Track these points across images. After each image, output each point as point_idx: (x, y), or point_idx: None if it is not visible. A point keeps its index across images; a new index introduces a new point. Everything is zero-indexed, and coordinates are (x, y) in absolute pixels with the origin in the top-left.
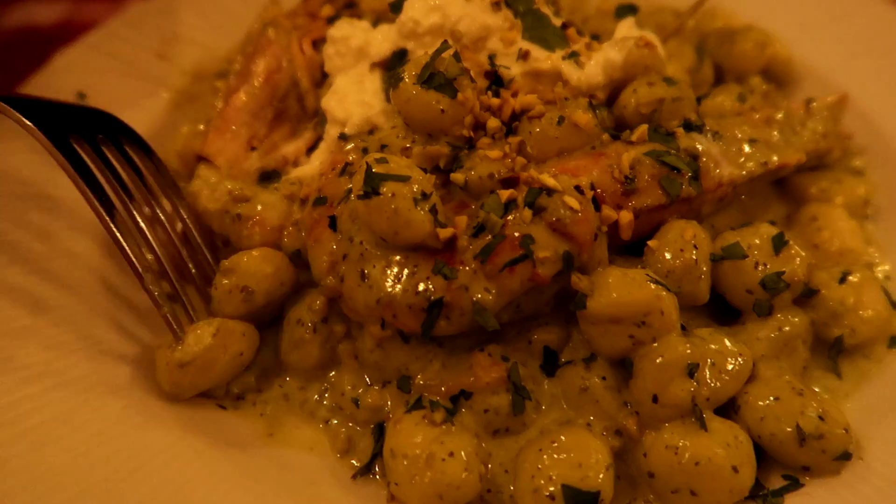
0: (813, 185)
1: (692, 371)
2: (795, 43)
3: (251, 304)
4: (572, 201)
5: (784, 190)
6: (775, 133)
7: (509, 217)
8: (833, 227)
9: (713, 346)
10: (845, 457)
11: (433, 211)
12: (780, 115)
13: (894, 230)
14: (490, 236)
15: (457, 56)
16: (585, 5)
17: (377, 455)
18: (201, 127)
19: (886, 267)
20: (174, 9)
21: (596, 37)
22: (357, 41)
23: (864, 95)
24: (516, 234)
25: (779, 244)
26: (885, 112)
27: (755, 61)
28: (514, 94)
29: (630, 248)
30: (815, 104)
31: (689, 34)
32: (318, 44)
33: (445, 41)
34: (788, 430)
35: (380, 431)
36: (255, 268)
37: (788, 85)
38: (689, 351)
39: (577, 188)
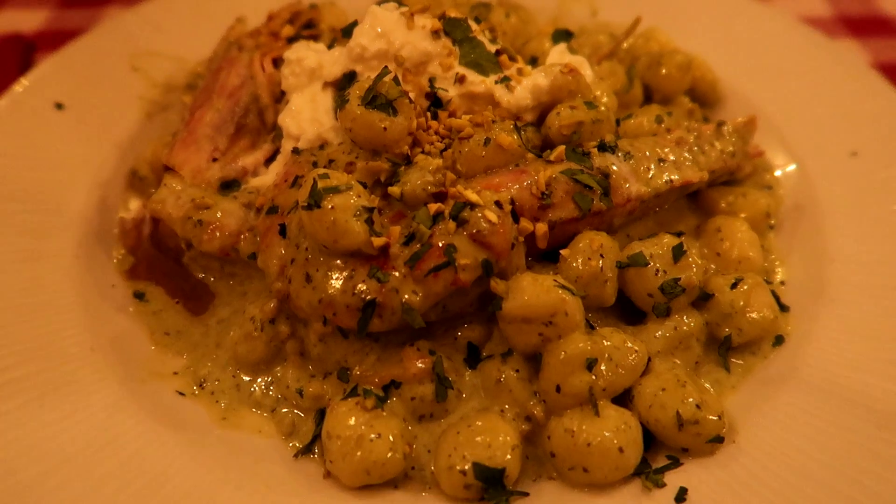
0: (723, 199)
1: (591, 365)
2: (723, 64)
3: None
4: (491, 215)
5: (698, 203)
6: (685, 153)
7: (436, 228)
8: (733, 238)
9: (612, 344)
10: (718, 440)
11: (369, 222)
12: (692, 137)
13: (794, 240)
14: (419, 245)
15: (396, 80)
16: (528, 28)
17: (317, 437)
18: (169, 138)
19: (783, 273)
20: (147, 22)
21: (535, 58)
22: (311, 63)
23: (779, 114)
24: (441, 244)
25: (678, 253)
26: (795, 130)
27: (679, 83)
28: (452, 114)
29: (548, 255)
30: (725, 126)
31: (624, 55)
32: (278, 62)
33: (386, 66)
34: (670, 416)
35: (320, 416)
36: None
37: (714, 104)
38: (589, 347)
39: (497, 203)
